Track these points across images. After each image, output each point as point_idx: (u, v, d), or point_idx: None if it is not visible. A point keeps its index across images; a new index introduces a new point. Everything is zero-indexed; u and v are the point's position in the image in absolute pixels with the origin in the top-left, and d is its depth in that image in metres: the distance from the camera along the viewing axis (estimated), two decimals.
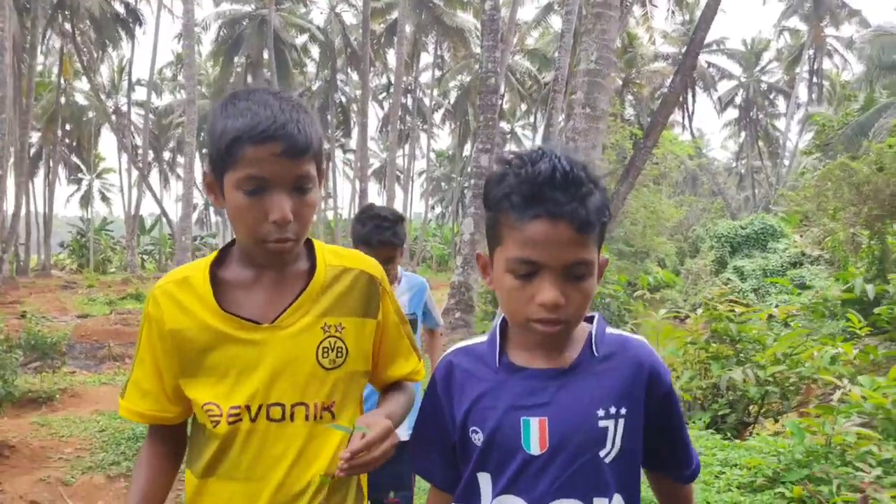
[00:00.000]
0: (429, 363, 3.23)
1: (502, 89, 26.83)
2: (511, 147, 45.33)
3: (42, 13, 24.03)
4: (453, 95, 41.69)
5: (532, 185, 1.07)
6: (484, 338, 1.27)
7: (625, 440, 1.15)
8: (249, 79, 35.30)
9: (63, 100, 32.90)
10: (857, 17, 35.47)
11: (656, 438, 1.21)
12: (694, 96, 39.45)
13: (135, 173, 33.57)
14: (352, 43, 35.77)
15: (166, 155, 46.52)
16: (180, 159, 41.29)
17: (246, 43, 33.40)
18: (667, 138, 21.44)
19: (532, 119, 42.42)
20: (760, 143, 43.40)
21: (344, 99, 41.27)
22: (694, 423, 5.20)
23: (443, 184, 52.65)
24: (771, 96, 43.34)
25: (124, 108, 35.82)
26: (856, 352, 4.64)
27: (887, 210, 10.33)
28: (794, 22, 38.61)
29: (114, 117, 34.02)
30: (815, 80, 39.18)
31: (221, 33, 34.61)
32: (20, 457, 4.88)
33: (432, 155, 46.68)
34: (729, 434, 5.02)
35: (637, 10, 27.37)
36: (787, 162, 39.47)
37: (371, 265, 1.36)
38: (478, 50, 19.98)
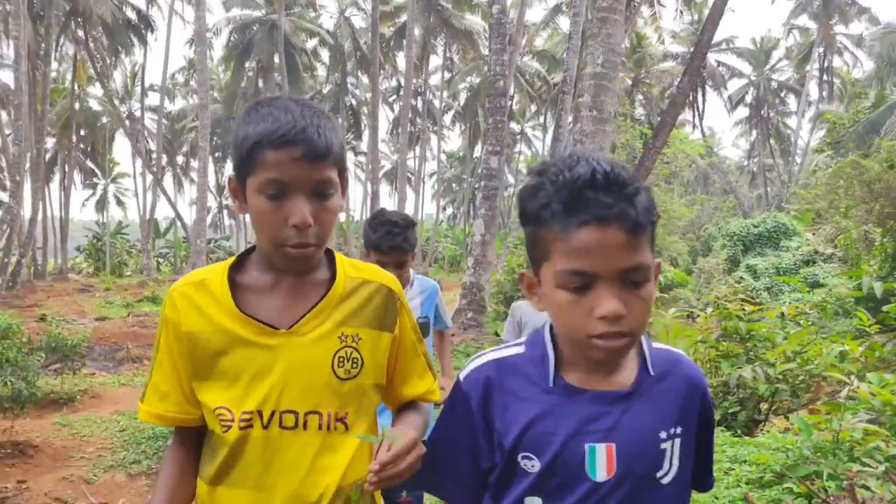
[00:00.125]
0: (437, 364, 3.32)
1: (512, 91, 26.86)
2: (521, 148, 45.41)
3: (55, 20, 24.21)
4: (463, 97, 41.76)
5: (572, 189, 1.00)
6: (516, 349, 1.19)
7: (680, 460, 1.12)
8: (260, 83, 35.59)
9: (77, 106, 33.24)
10: (866, 15, 35.22)
11: (696, 454, 1.20)
12: (704, 95, 39.33)
13: (149, 177, 33.84)
14: (361, 46, 35.96)
15: (180, 159, 46.81)
16: (194, 163, 41.52)
17: (257, 48, 33.67)
18: (677, 137, 21.44)
19: (542, 120, 42.46)
20: (772, 141, 43.12)
21: (354, 102, 41.48)
22: None
23: (454, 185, 52.79)
24: (781, 94, 43.05)
25: (138, 113, 36.07)
26: (862, 349, 4.66)
27: None
28: (804, 20, 38.36)
29: (127, 122, 34.29)
30: (825, 77, 38.91)
31: (232, 38, 34.93)
32: (43, 456, 5.00)
33: (443, 156, 46.76)
34: (739, 431, 5.04)
35: (645, 10, 27.32)
36: (798, 160, 39.17)
37: (390, 280, 1.35)
38: (486, 52, 20.01)
